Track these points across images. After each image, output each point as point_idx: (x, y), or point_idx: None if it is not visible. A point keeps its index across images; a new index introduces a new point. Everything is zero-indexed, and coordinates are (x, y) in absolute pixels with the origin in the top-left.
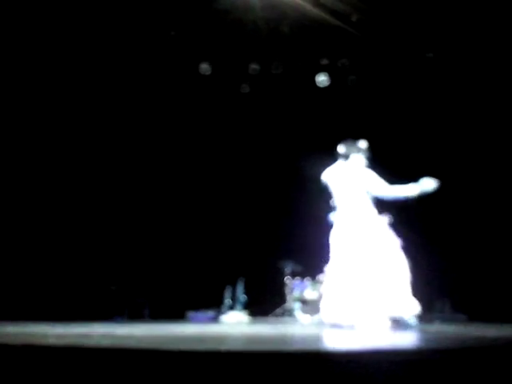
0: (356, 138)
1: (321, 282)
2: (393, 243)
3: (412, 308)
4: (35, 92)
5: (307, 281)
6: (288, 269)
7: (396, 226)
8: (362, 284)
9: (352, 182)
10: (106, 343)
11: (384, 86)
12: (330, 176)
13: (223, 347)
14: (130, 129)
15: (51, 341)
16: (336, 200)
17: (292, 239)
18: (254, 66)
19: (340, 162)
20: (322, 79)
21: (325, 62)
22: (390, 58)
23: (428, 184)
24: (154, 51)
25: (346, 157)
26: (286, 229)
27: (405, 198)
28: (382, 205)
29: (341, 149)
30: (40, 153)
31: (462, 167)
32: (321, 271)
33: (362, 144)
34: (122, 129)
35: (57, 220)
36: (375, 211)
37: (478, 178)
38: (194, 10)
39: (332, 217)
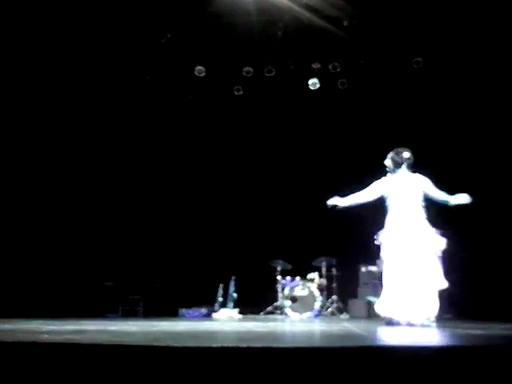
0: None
1: (311, 280)
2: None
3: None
4: (35, 92)
5: (298, 279)
6: (279, 267)
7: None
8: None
9: (408, 189)
10: (99, 340)
11: (374, 90)
12: (387, 185)
13: (215, 343)
14: (126, 128)
15: (44, 337)
16: (390, 206)
17: (283, 238)
18: (247, 69)
19: (391, 174)
20: (313, 82)
21: (316, 65)
22: (380, 61)
23: (464, 199)
24: (150, 52)
25: (396, 168)
26: (277, 228)
27: (448, 204)
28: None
29: (388, 161)
30: (37, 153)
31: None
32: (311, 270)
33: (407, 154)
34: (119, 128)
35: (50, 217)
36: (425, 217)
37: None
38: (189, 13)
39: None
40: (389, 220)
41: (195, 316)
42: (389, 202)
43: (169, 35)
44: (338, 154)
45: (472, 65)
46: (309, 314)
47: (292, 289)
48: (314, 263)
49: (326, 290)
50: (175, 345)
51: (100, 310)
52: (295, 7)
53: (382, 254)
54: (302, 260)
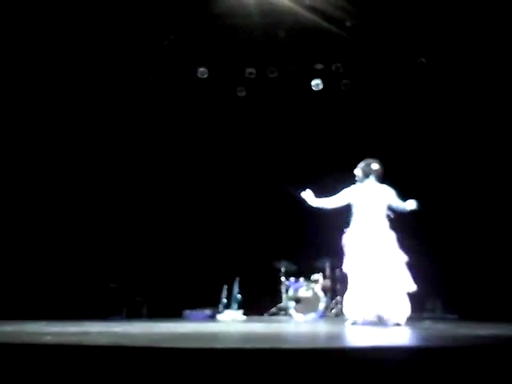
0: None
1: (315, 281)
2: (397, 255)
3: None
4: (35, 92)
5: (302, 280)
6: (283, 268)
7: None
8: (379, 285)
9: (374, 198)
10: (103, 341)
11: (377, 91)
12: (353, 193)
13: (219, 345)
14: (129, 130)
15: (48, 339)
16: (355, 213)
17: (287, 239)
18: (250, 70)
19: (359, 183)
20: (316, 83)
21: (319, 66)
22: (383, 62)
23: (412, 205)
24: (152, 55)
25: (364, 178)
26: (281, 229)
27: (405, 211)
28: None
29: (358, 171)
30: (39, 153)
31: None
32: (315, 271)
33: (376, 166)
34: (122, 130)
35: (54, 218)
36: (388, 225)
37: (466, 182)
38: (191, 14)
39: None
40: (352, 226)
41: (199, 317)
42: (354, 210)
43: (171, 37)
44: (342, 155)
45: (479, 64)
46: (313, 315)
47: (296, 290)
48: (318, 264)
49: (330, 291)
50: (179, 346)
51: (104, 312)
52: (297, 8)
53: (345, 255)
54: (306, 261)
